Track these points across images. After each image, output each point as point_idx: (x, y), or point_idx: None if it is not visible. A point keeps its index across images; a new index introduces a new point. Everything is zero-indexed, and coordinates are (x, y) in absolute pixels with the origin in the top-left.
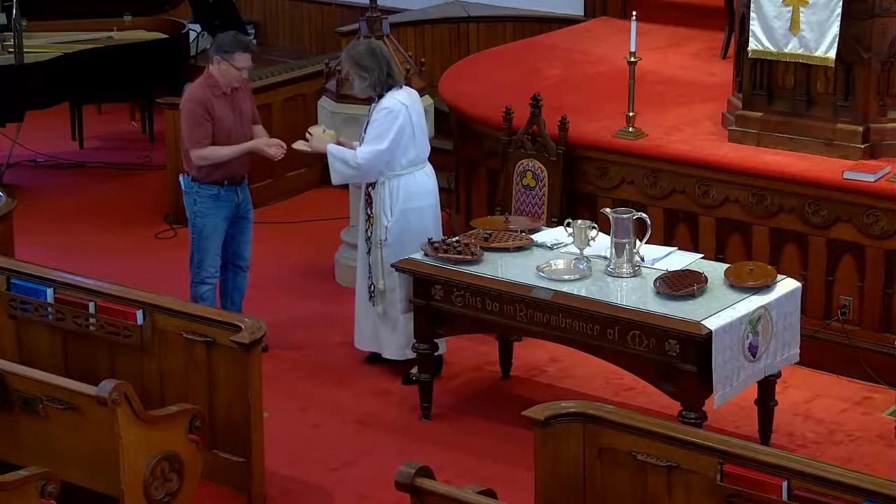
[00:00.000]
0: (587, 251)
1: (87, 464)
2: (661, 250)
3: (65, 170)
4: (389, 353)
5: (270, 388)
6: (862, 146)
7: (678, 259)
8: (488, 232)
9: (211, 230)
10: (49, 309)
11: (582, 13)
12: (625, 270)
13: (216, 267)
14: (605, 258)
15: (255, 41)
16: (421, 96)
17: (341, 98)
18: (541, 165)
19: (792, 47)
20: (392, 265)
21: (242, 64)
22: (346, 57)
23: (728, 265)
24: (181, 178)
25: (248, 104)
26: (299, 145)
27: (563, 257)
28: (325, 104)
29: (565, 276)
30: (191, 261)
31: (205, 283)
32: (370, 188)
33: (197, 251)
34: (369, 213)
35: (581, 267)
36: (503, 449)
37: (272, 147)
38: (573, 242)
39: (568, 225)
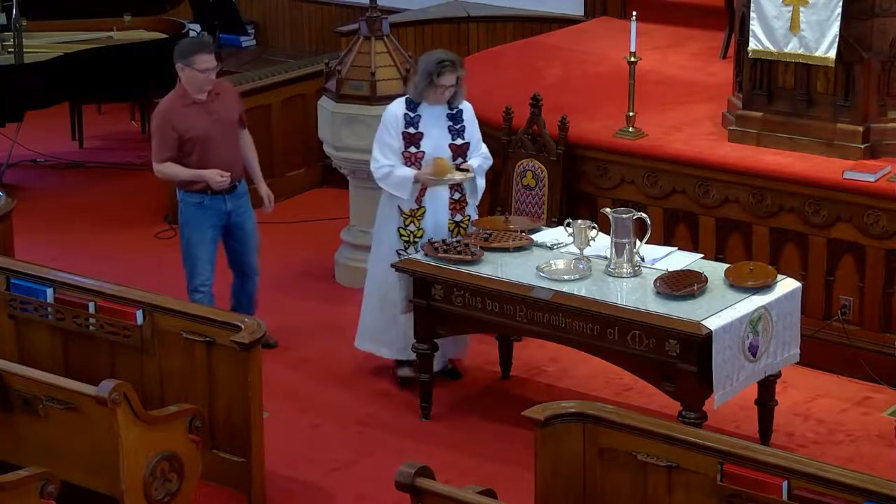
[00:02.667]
0: (587, 251)
1: (87, 464)
2: (661, 250)
3: (65, 170)
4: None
5: (271, 388)
6: (862, 146)
7: (678, 259)
8: (488, 232)
9: (197, 239)
10: (49, 309)
11: (582, 13)
12: (625, 270)
13: (207, 275)
14: (605, 258)
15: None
16: None
17: (341, 98)
18: (541, 165)
19: (792, 47)
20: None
21: (205, 65)
22: (460, 63)
23: (728, 265)
24: (177, 188)
25: (234, 109)
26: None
27: (563, 257)
28: (325, 104)
29: (565, 276)
30: (184, 268)
31: (197, 292)
32: (460, 190)
33: (187, 259)
34: (461, 217)
35: (581, 267)
36: (503, 449)
37: (223, 178)
38: (573, 242)
39: (568, 225)
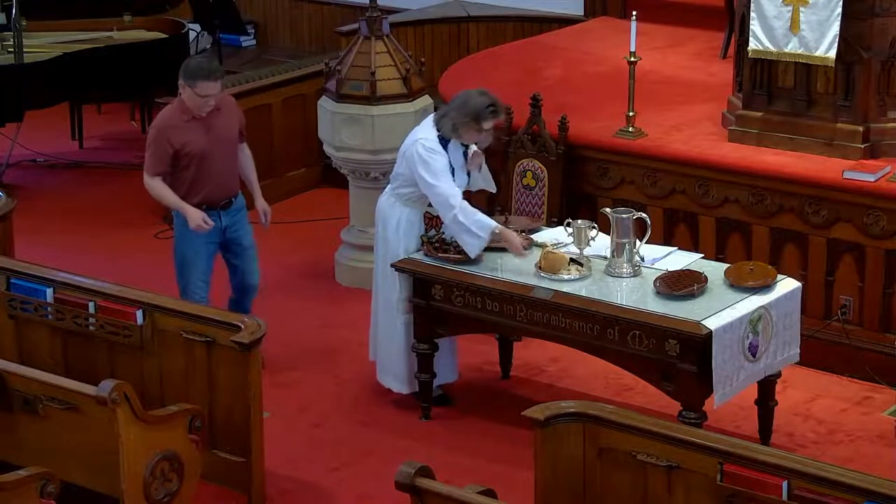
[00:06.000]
0: (587, 251)
1: (87, 464)
2: (661, 250)
3: (65, 170)
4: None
5: (270, 388)
6: (862, 146)
7: (678, 259)
8: None
9: (191, 256)
10: (49, 309)
11: (582, 13)
12: (625, 270)
13: (202, 293)
14: (605, 258)
15: (239, 46)
16: (421, 96)
17: (341, 98)
18: (541, 165)
19: (792, 47)
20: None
21: (206, 92)
22: (502, 109)
23: (728, 265)
24: None
25: (234, 125)
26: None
27: None
28: (325, 104)
29: (565, 276)
30: (178, 284)
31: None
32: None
33: (180, 277)
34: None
35: (581, 267)
36: (503, 449)
37: (206, 226)
38: (573, 242)
39: (568, 225)
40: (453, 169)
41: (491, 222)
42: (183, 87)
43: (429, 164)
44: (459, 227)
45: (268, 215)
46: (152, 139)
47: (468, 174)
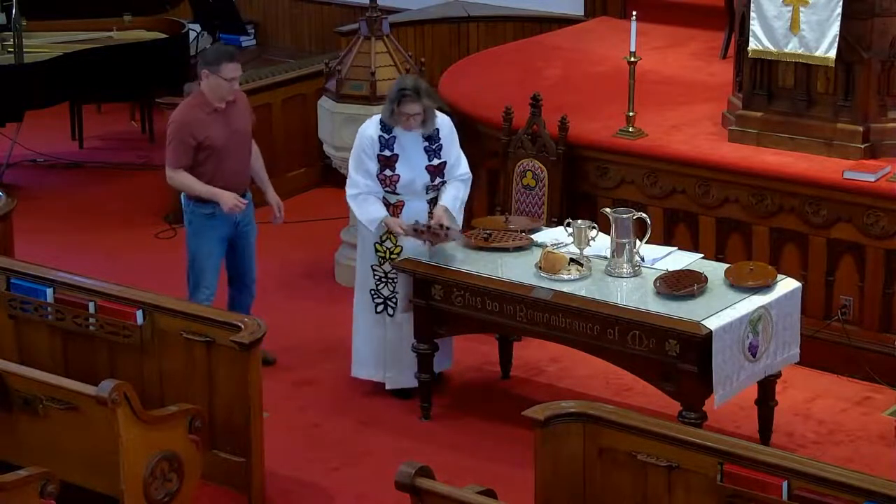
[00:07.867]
0: (587, 251)
1: (87, 464)
2: (661, 250)
3: (65, 170)
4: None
5: (270, 388)
6: (862, 146)
7: (678, 259)
8: (488, 232)
9: (206, 252)
10: (49, 309)
11: (582, 13)
12: (625, 270)
13: (213, 288)
14: (605, 258)
15: (239, 46)
16: None
17: (341, 98)
18: (541, 165)
19: (792, 47)
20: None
21: (231, 74)
22: (424, 93)
23: (728, 265)
24: (181, 195)
25: (248, 119)
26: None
27: None
28: (325, 104)
29: (565, 276)
30: (187, 280)
31: (201, 305)
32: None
33: (191, 272)
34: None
35: (581, 267)
36: (503, 449)
37: (242, 204)
38: (573, 242)
39: (568, 225)
40: (396, 157)
41: (377, 215)
42: (206, 76)
43: (354, 146)
44: (353, 213)
45: (281, 209)
46: (174, 133)
47: (430, 159)
